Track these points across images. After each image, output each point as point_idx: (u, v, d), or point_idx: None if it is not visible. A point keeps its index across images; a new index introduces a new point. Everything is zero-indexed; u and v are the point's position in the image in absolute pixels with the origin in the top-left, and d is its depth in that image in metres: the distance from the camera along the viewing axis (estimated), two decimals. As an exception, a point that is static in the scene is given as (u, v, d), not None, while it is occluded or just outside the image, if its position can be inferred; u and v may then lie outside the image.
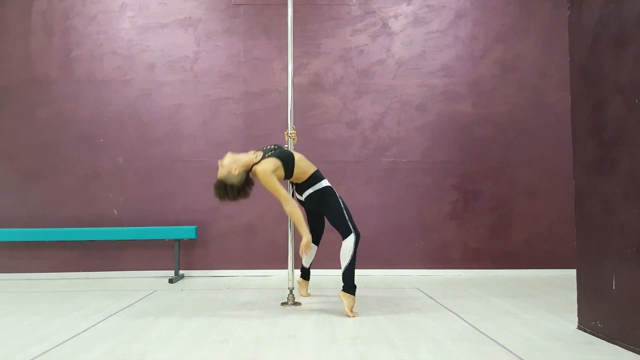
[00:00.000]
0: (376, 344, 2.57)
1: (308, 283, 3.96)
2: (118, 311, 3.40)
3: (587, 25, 2.80)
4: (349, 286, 3.28)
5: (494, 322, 3.03)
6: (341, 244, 3.34)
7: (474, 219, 5.14)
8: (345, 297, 3.28)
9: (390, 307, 3.47)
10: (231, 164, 3.29)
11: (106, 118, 5.18)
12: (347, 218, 3.36)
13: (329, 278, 4.64)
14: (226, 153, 3.37)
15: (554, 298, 3.79)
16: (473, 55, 5.26)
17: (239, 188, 3.30)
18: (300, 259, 3.79)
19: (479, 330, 2.85)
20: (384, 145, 5.20)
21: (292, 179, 3.46)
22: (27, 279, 4.91)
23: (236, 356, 2.39)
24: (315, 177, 3.45)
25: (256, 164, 3.33)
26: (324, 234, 3.81)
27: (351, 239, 3.30)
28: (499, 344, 2.57)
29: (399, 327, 2.93)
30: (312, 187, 3.43)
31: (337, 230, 3.39)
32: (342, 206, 3.40)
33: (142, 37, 5.24)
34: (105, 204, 5.11)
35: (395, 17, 5.29)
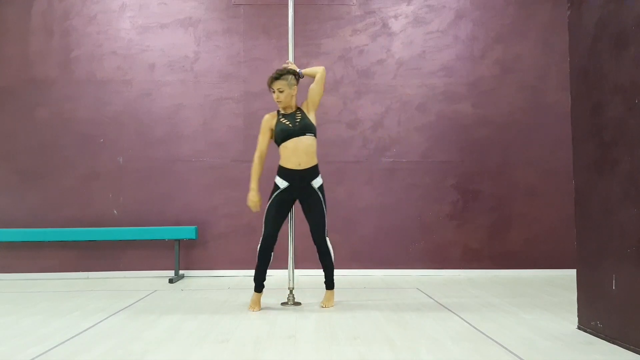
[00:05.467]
0: (376, 344, 2.56)
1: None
2: (118, 311, 3.40)
3: (587, 25, 2.80)
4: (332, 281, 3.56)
5: (494, 322, 3.03)
6: (329, 246, 3.48)
7: (473, 219, 5.14)
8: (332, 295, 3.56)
9: (390, 307, 3.47)
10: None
11: (106, 118, 5.18)
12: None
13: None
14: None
15: (554, 298, 3.79)
16: (473, 55, 5.26)
17: None
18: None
19: (479, 330, 2.85)
20: (384, 145, 5.20)
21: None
22: (27, 279, 4.91)
23: (236, 356, 2.39)
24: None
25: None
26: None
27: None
28: (499, 344, 2.57)
29: (399, 327, 2.93)
30: (320, 178, 3.47)
31: (320, 230, 3.43)
32: None
33: (142, 37, 5.24)
34: (105, 204, 5.11)
35: (395, 17, 5.30)
